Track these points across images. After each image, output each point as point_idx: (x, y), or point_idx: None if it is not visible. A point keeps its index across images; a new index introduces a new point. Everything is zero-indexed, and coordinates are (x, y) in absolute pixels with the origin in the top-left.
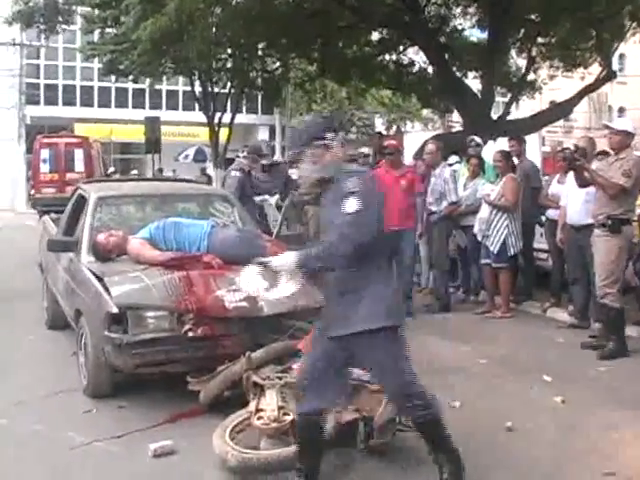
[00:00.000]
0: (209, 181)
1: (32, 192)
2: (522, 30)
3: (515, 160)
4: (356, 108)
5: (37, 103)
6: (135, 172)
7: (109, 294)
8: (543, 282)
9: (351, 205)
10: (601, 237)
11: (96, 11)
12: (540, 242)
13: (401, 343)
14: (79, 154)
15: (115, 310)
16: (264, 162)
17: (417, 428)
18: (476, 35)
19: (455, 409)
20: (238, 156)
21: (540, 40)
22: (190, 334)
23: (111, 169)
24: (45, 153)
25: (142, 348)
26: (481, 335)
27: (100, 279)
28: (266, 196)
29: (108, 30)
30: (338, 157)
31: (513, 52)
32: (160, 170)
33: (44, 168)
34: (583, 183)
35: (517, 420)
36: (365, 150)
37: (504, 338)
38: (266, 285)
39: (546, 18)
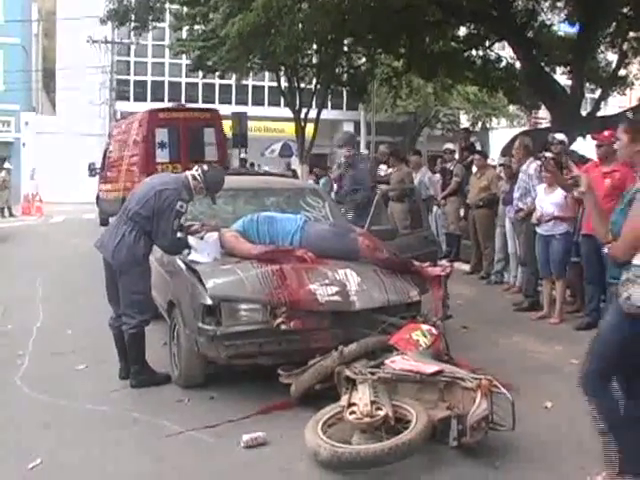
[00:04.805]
0: (295, 176)
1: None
2: (613, 24)
3: None
4: (441, 104)
5: (127, 99)
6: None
7: (203, 286)
8: None
9: None
10: None
11: (185, 8)
12: None
13: None
14: (209, 135)
15: (209, 302)
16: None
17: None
18: (564, 30)
19: (547, 410)
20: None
21: (632, 34)
22: (282, 327)
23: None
24: (162, 134)
25: (235, 340)
26: (572, 334)
27: (194, 271)
28: None
29: (197, 27)
30: None
31: (603, 47)
32: (251, 164)
33: (162, 156)
34: None
35: None
36: (450, 146)
37: None
38: None
39: (639, 11)
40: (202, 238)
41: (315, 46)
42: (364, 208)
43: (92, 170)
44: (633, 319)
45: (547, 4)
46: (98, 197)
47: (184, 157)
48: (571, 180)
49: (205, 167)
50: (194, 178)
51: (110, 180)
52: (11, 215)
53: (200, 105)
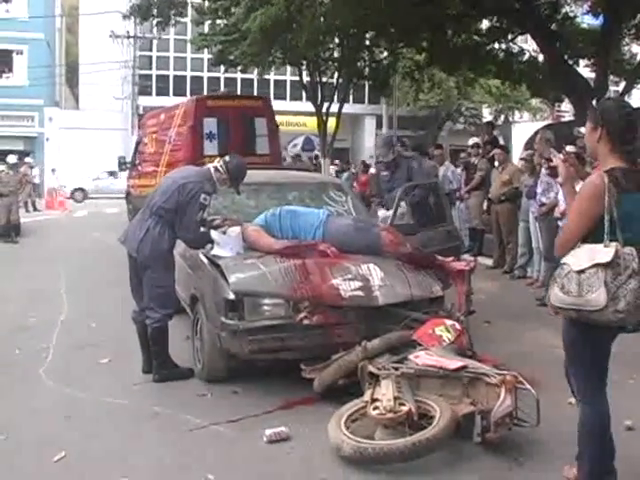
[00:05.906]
0: (317, 170)
1: None
2: (638, 16)
3: None
4: (464, 98)
5: (149, 94)
6: None
7: (226, 281)
8: None
9: None
10: None
11: (207, 3)
12: None
13: None
14: (261, 125)
15: (232, 297)
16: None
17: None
18: (588, 22)
19: (572, 406)
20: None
21: None
22: (305, 322)
23: None
24: (211, 124)
25: (258, 335)
26: None
27: (217, 265)
28: None
29: (218, 21)
30: None
31: (627, 39)
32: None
33: (210, 148)
34: None
35: (637, 419)
36: (476, 140)
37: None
38: None
39: None
40: (225, 232)
41: (337, 40)
42: (422, 206)
43: (122, 164)
44: (576, 323)
45: None
46: (128, 193)
47: (235, 150)
48: (549, 170)
49: (227, 158)
50: (217, 170)
51: (144, 175)
52: (35, 209)
53: None
